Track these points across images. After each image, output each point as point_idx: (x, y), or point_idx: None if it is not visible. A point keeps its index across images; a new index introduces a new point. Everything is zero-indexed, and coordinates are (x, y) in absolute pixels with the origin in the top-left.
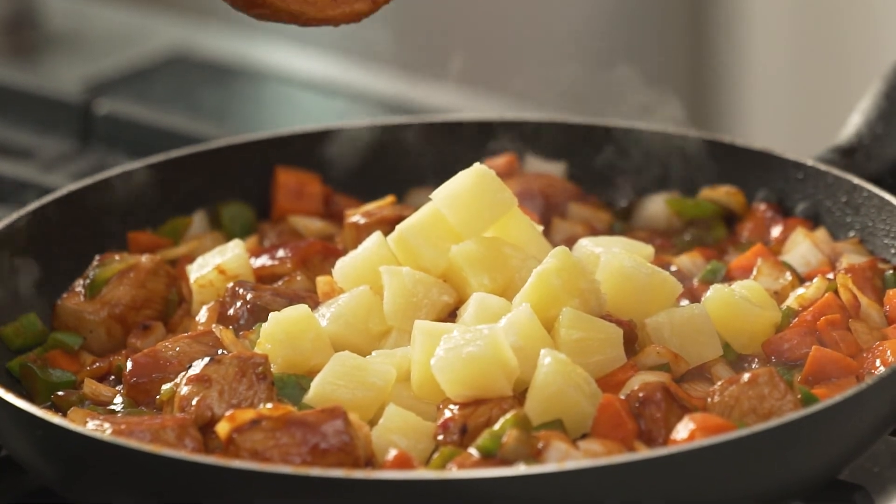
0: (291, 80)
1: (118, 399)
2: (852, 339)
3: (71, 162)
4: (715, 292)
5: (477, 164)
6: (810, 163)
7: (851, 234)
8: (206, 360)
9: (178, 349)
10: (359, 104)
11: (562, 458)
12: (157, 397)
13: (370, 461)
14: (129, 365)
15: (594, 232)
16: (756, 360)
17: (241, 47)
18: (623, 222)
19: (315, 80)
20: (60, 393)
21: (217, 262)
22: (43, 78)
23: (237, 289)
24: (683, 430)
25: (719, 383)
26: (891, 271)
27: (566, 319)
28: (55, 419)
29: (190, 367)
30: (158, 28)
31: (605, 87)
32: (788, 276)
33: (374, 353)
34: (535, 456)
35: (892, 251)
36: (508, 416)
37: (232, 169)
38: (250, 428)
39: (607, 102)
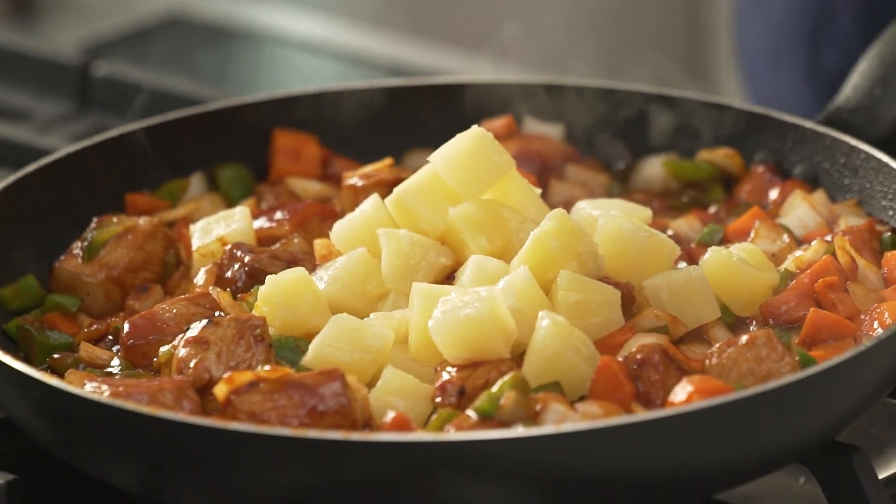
0: (290, 42)
1: (115, 361)
2: (850, 302)
3: (69, 124)
4: (713, 254)
5: (475, 127)
6: (808, 125)
7: (849, 196)
8: (204, 322)
9: (175, 311)
10: (357, 66)
11: (559, 421)
12: (155, 359)
13: (368, 423)
14: (126, 327)
15: (592, 194)
16: (754, 322)
17: (239, 9)
18: (621, 184)
19: (313, 42)
20: (56, 356)
21: (220, 234)
22: (41, 39)
23: (235, 251)
24: (681, 393)
25: (717, 345)
26: (888, 233)
27: (564, 282)
28: (53, 381)
29: (188, 329)
30: None
31: (603, 49)
32: (786, 238)
33: (371, 316)
34: (533, 418)
35: (890, 213)
36: (506, 378)
37: (230, 131)
38: (248, 390)
39: (605, 64)
